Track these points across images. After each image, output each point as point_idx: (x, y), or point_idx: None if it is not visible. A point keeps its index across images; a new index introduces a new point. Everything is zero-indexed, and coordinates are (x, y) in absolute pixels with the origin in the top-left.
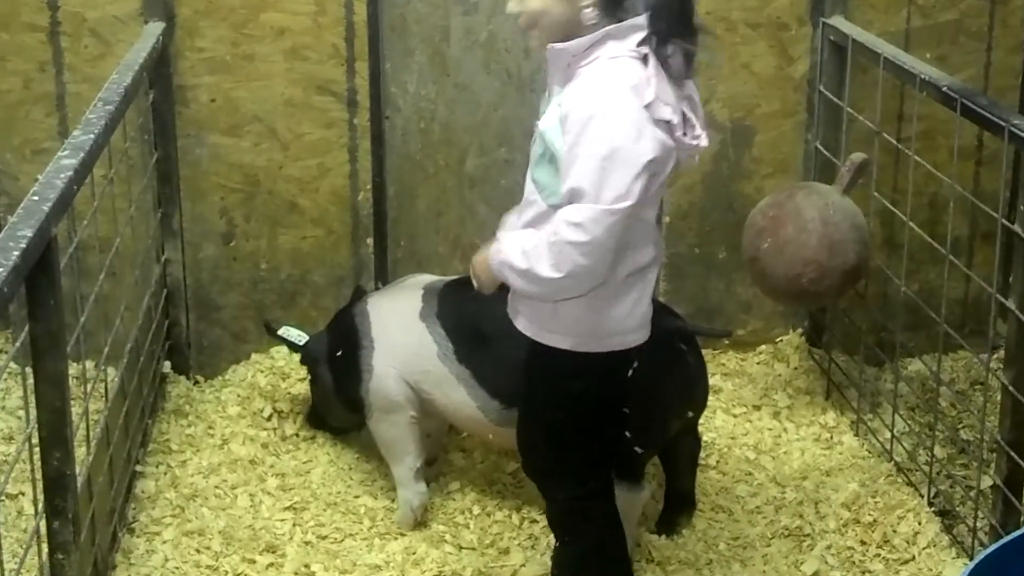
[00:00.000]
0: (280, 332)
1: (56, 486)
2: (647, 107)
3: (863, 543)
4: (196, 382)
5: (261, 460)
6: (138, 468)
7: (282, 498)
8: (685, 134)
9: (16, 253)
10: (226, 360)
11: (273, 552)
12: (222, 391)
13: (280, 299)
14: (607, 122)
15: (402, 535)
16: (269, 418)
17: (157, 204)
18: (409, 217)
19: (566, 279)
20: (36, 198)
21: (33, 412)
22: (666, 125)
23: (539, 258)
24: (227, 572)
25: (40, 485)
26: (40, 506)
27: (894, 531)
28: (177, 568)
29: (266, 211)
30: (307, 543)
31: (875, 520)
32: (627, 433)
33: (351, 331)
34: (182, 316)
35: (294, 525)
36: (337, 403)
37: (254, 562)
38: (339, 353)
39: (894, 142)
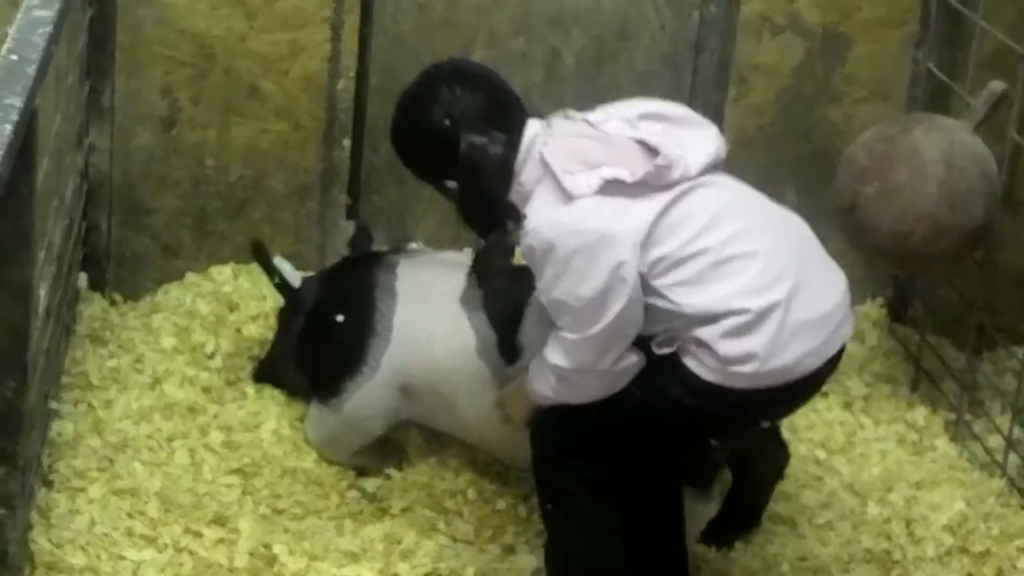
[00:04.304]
0: (275, 261)
1: (5, 424)
2: None
3: None
4: (113, 302)
5: (202, 408)
6: (53, 405)
7: (228, 458)
8: None
9: (8, 127)
10: (151, 278)
11: (222, 525)
12: (151, 316)
13: (226, 207)
14: None
15: (379, 519)
16: (211, 356)
17: (86, 75)
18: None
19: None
20: (15, 58)
21: None
22: None
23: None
24: (167, 545)
25: None
26: None
27: (1013, 567)
28: (106, 535)
29: (220, 94)
30: (263, 517)
31: (988, 550)
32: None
33: (366, 304)
34: (103, 219)
35: (244, 493)
36: (297, 369)
37: (200, 535)
38: (339, 319)
39: None
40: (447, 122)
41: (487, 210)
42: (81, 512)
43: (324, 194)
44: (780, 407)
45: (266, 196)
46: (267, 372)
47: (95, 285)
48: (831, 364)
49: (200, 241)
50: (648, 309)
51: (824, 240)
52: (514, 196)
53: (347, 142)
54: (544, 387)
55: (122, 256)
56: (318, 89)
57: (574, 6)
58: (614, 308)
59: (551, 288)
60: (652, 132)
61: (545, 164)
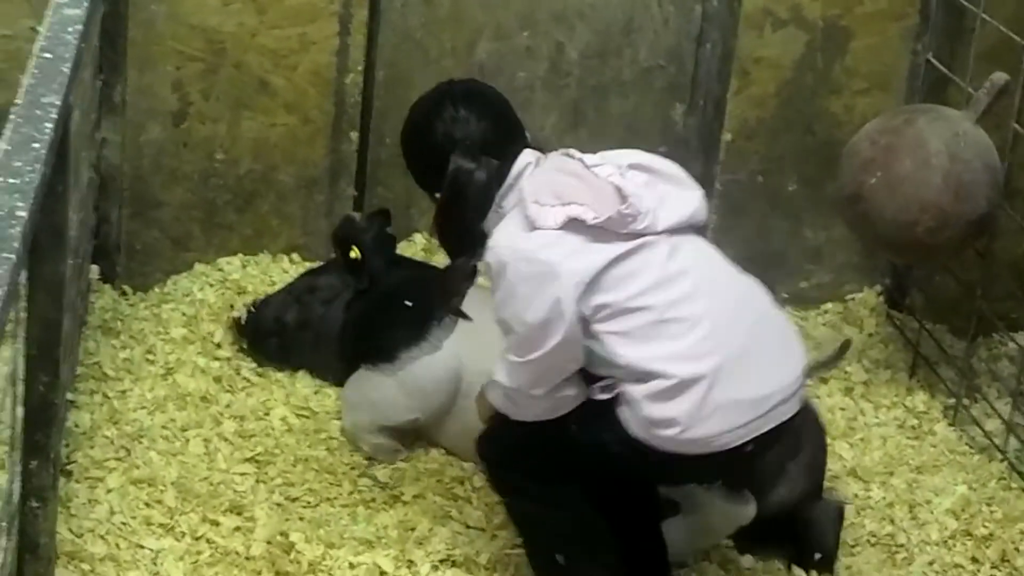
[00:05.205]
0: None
1: (38, 418)
2: None
3: (975, 561)
4: (123, 293)
5: (214, 398)
6: (69, 396)
7: (242, 447)
8: None
9: (48, 125)
10: (161, 270)
11: (239, 514)
12: (160, 307)
13: (235, 200)
14: None
15: (392, 506)
16: (220, 345)
17: (98, 70)
18: (399, 110)
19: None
20: (50, 56)
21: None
22: None
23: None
24: (185, 534)
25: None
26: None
27: (1017, 550)
28: (125, 524)
29: (230, 88)
30: (278, 505)
31: (991, 534)
32: None
33: (433, 295)
34: (113, 211)
35: (258, 482)
36: (335, 343)
37: (218, 524)
38: (408, 304)
39: None
40: (444, 142)
41: (461, 234)
42: (100, 501)
43: (332, 187)
44: (705, 474)
45: (275, 189)
46: (283, 354)
47: (106, 277)
48: (762, 443)
49: (209, 233)
50: (587, 352)
51: (826, 228)
52: (491, 219)
53: (355, 135)
54: (494, 398)
55: (132, 248)
56: (326, 83)
57: (578, 2)
58: (552, 340)
59: (500, 307)
60: (635, 182)
61: (521, 192)
